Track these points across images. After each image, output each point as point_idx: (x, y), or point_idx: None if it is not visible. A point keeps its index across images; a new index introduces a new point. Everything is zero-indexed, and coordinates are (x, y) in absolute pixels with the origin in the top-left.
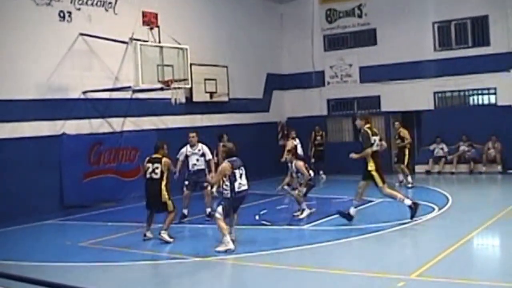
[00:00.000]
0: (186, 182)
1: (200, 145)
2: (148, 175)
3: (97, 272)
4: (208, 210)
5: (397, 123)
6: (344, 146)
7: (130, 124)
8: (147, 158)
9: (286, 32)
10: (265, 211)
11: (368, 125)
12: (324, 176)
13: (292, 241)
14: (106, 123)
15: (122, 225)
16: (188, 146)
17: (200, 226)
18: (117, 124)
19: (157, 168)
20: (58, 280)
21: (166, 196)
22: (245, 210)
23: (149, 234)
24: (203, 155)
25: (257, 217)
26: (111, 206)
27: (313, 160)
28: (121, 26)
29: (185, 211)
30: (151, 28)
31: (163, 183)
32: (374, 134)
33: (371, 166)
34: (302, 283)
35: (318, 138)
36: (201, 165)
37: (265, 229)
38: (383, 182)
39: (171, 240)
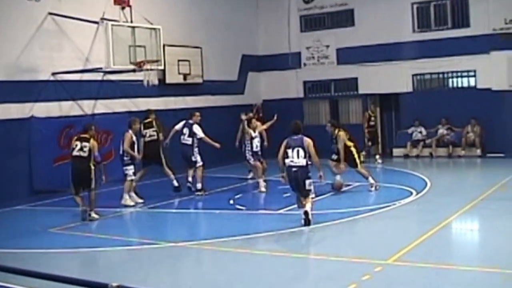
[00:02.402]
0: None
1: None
2: (75, 153)
3: (67, 258)
4: (199, 185)
5: (372, 106)
6: (321, 129)
7: (102, 106)
8: (75, 137)
9: (262, 12)
10: (240, 195)
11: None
12: (380, 161)
13: (267, 226)
14: (76, 105)
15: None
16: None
17: (174, 211)
18: (88, 106)
19: (85, 146)
20: (28, 266)
21: (93, 174)
22: (219, 194)
23: (94, 215)
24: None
25: (231, 202)
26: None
27: (369, 144)
28: (91, 5)
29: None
30: (123, 8)
31: (91, 162)
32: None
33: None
34: (276, 268)
35: (372, 118)
36: (189, 140)
37: (239, 214)
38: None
39: (99, 217)
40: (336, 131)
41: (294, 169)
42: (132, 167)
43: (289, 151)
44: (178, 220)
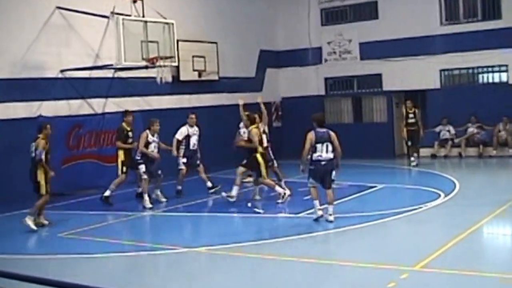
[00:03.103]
0: (185, 160)
1: (195, 126)
2: (32, 155)
3: (77, 264)
4: (209, 184)
5: (409, 101)
6: (343, 128)
7: (112, 105)
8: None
9: (280, 5)
10: (258, 198)
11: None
12: (415, 163)
13: (286, 230)
14: (86, 104)
15: (104, 214)
16: (187, 126)
17: (189, 214)
18: (98, 105)
19: (32, 147)
20: (35, 273)
21: (42, 177)
22: (237, 196)
23: (28, 221)
24: (200, 135)
25: (249, 204)
26: (92, 194)
27: (409, 143)
28: None
29: (180, 188)
30: (134, 1)
31: (40, 164)
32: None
33: None
34: (297, 275)
35: (411, 115)
36: (197, 145)
37: (257, 218)
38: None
39: (35, 228)
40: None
41: (323, 162)
42: (143, 166)
43: (318, 145)
44: (193, 224)
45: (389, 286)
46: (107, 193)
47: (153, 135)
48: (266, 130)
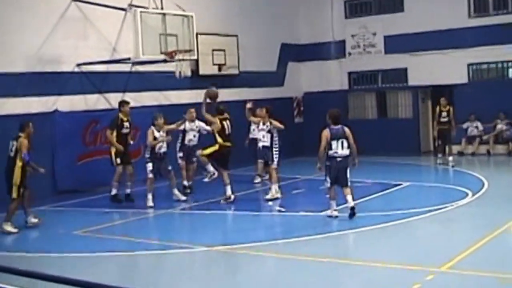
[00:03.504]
0: (181, 154)
1: (197, 122)
2: (9, 153)
3: (93, 262)
4: (185, 183)
5: (443, 99)
6: (367, 124)
7: (130, 99)
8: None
9: None
10: (278, 195)
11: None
12: (452, 163)
13: (310, 229)
14: (103, 98)
15: (121, 212)
16: (187, 122)
17: (207, 212)
18: (115, 100)
19: (13, 146)
20: (51, 271)
21: (18, 180)
22: (258, 194)
23: (33, 219)
24: (199, 131)
25: (271, 202)
26: (109, 191)
27: (439, 142)
28: None
29: (186, 183)
30: None
31: (18, 164)
32: None
33: None
34: (320, 275)
35: (444, 113)
36: (196, 141)
37: (279, 216)
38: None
39: (15, 230)
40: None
41: (339, 159)
42: (150, 164)
43: (333, 142)
44: (213, 223)
45: (414, 287)
46: (113, 191)
47: (158, 131)
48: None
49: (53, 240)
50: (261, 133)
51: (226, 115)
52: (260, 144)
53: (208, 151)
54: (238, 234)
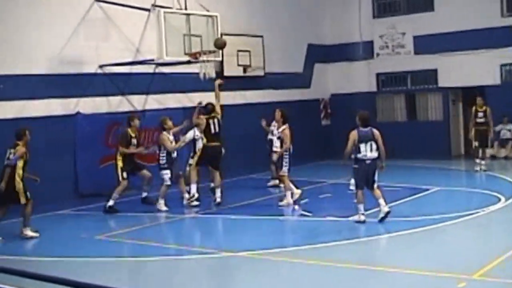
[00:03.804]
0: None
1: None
2: (5, 161)
3: (115, 267)
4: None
5: (479, 98)
6: (396, 127)
7: (153, 102)
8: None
9: None
10: (306, 200)
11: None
12: (484, 168)
13: (337, 234)
14: (126, 100)
15: (143, 216)
16: (196, 129)
17: (230, 216)
18: (139, 102)
19: (11, 154)
20: (72, 276)
21: (20, 186)
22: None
23: (29, 232)
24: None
25: (296, 207)
26: (131, 195)
27: (476, 144)
28: None
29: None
30: None
31: (18, 171)
32: None
33: None
34: (346, 281)
35: (480, 113)
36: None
37: (305, 220)
38: None
39: (37, 234)
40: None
41: (368, 161)
42: (168, 171)
43: (362, 145)
44: (236, 227)
45: None
46: (111, 202)
47: (169, 133)
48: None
49: (76, 244)
50: (274, 138)
51: (214, 114)
52: (273, 149)
53: (196, 158)
54: (262, 239)
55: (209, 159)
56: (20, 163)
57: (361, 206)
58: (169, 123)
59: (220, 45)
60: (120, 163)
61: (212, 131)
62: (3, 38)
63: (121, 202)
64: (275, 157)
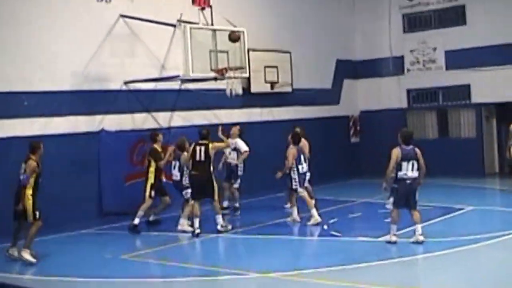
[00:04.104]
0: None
1: (236, 140)
2: (20, 176)
3: None
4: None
5: None
6: (428, 144)
7: (179, 119)
8: None
9: (358, 11)
10: (335, 220)
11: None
12: None
13: (368, 255)
14: (151, 117)
15: (170, 235)
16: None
17: (258, 236)
18: (164, 119)
19: (23, 168)
20: None
21: (29, 203)
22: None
23: (12, 252)
24: (235, 149)
25: (325, 227)
26: (157, 213)
27: None
28: (167, 6)
29: (237, 204)
30: (203, 9)
31: (28, 188)
32: None
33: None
34: None
35: None
36: (234, 158)
37: (335, 241)
38: None
39: (34, 260)
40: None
41: (408, 181)
42: (189, 190)
43: (404, 163)
44: (264, 248)
45: None
46: (136, 221)
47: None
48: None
49: (100, 264)
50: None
51: (206, 141)
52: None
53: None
54: (292, 260)
55: (197, 190)
56: (31, 179)
57: (394, 227)
58: (187, 145)
59: (234, 38)
60: (151, 180)
61: (197, 158)
62: (28, 54)
63: (146, 221)
64: (279, 175)
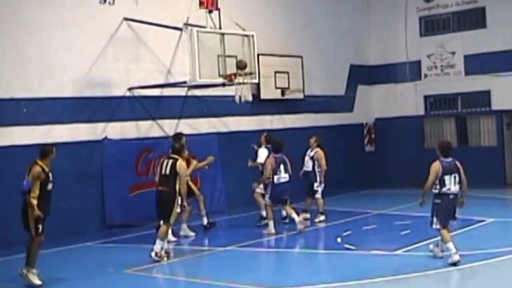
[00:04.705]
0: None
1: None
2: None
3: None
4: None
5: None
6: None
7: (186, 126)
8: None
9: (373, 14)
10: (348, 232)
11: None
12: None
13: (383, 270)
14: (156, 125)
15: (175, 249)
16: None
17: (270, 250)
18: (170, 126)
19: (26, 177)
20: None
21: (32, 215)
22: (325, 231)
23: (30, 276)
24: (312, 158)
25: (339, 240)
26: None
27: None
28: (173, 9)
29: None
30: (210, 12)
31: (33, 197)
32: None
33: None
34: None
35: None
36: (309, 167)
37: (349, 254)
38: None
39: (39, 283)
40: None
41: (451, 196)
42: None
43: (446, 178)
44: (276, 261)
45: None
46: (205, 221)
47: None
48: None
49: (103, 279)
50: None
51: (175, 155)
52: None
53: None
54: (304, 275)
55: (155, 206)
56: (35, 187)
57: (451, 245)
58: (187, 152)
59: (241, 66)
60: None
61: (162, 171)
62: (28, 59)
63: (152, 233)
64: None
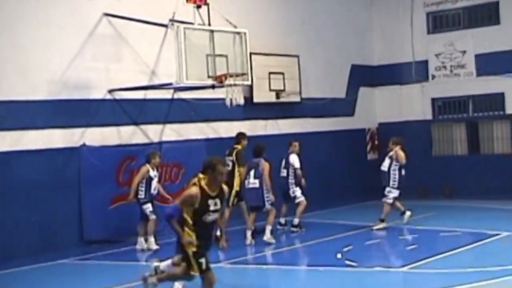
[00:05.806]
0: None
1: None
2: None
3: None
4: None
5: None
6: (456, 161)
7: (172, 132)
8: None
9: (377, 10)
10: (350, 247)
11: None
12: None
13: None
14: (139, 131)
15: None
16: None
17: (265, 267)
18: (154, 132)
19: None
20: None
21: None
22: (324, 245)
23: None
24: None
25: (339, 255)
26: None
27: None
28: (158, 4)
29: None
30: (198, 7)
31: None
32: None
33: None
34: None
35: None
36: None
37: (350, 272)
38: None
39: None
40: None
41: None
42: (149, 205)
43: None
44: (272, 279)
45: None
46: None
47: (153, 170)
48: None
49: None
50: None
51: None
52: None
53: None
54: None
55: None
56: None
57: None
58: (157, 159)
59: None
60: (237, 187)
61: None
62: None
63: (134, 249)
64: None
